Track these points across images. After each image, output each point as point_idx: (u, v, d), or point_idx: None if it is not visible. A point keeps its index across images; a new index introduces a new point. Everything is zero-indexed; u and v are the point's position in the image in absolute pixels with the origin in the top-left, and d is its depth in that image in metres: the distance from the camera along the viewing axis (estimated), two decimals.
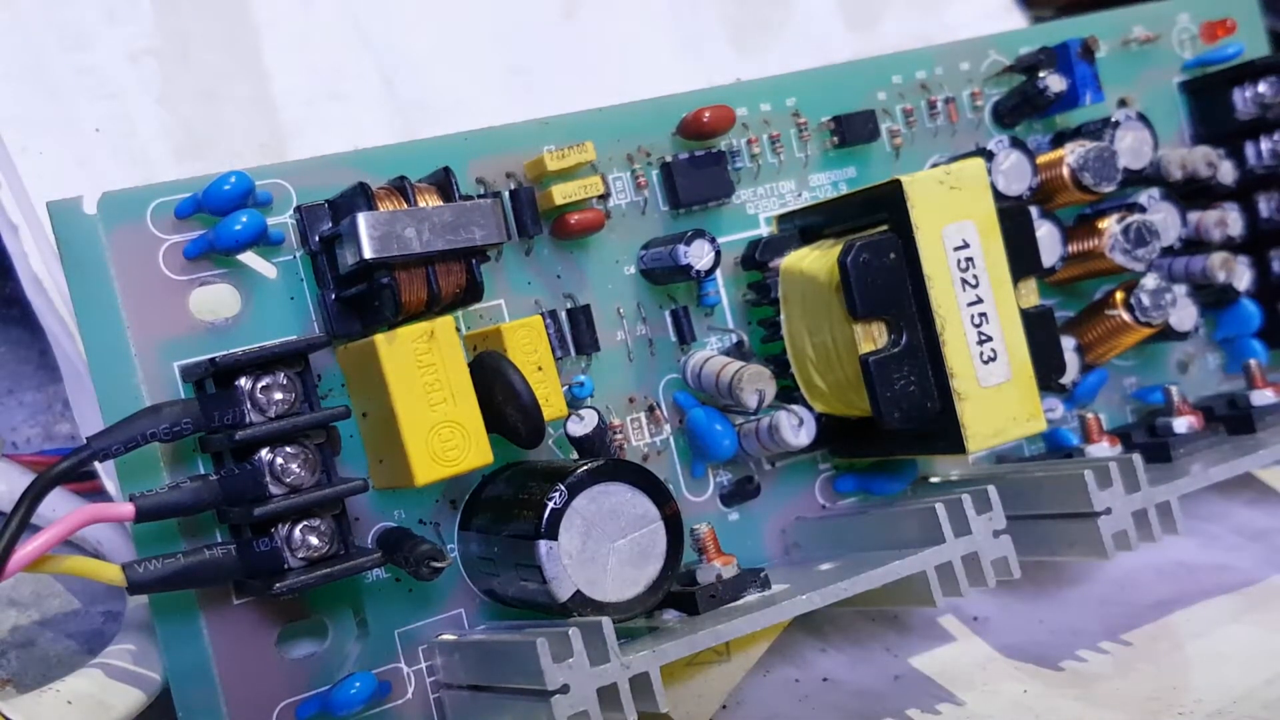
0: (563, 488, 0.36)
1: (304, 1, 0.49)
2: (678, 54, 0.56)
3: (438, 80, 0.51)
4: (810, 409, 0.42)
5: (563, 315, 0.41)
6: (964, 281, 0.39)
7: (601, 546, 0.36)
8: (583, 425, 0.39)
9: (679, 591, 0.38)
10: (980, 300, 0.39)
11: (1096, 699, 0.44)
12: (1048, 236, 0.45)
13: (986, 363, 0.39)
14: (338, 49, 0.45)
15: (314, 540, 0.36)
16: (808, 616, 0.46)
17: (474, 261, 0.37)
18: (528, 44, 0.54)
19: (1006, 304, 0.39)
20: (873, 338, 0.39)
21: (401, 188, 0.37)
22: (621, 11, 0.55)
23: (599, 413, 0.40)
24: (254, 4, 0.47)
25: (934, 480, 0.45)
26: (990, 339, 0.39)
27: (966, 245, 0.39)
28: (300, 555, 0.35)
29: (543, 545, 0.35)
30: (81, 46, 0.44)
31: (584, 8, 0.54)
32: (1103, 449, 0.45)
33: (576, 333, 0.41)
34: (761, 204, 0.44)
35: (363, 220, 0.35)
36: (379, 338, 0.35)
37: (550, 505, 0.35)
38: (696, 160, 0.43)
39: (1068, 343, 0.45)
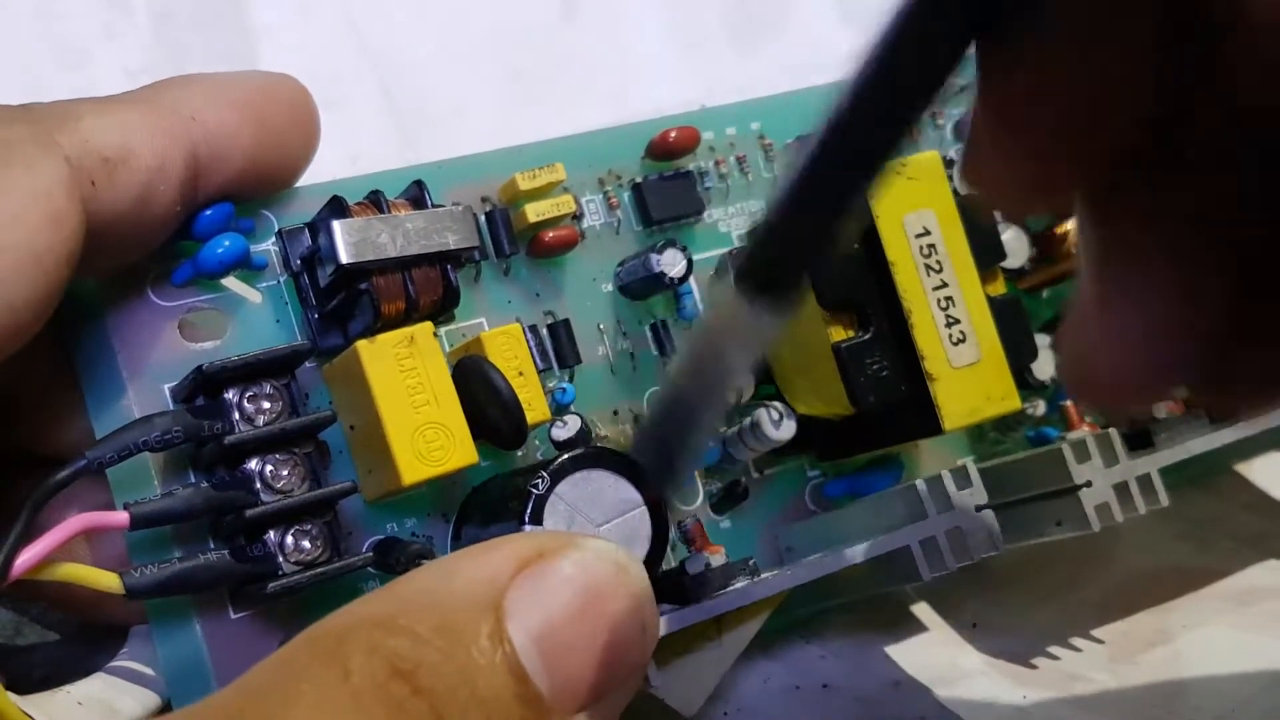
0: (545, 474, 0.36)
1: (302, 10, 0.50)
2: (678, 54, 0.57)
3: (437, 85, 0.53)
4: (792, 410, 0.42)
5: (544, 331, 0.42)
6: (927, 267, 0.40)
7: (586, 531, 0.37)
8: (566, 430, 0.40)
9: (669, 584, 0.39)
10: (945, 284, 0.40)
11: (1095, 706, 0.44)
12: (1015, 239, 0.46)
13: (956, 344, 0.40)
14: (336, 56, 0.46)
15: (306, 544, 0.36)
16: (808, 623, 0.46)
17: (449, 267, 0.38)
18: (527, 47, 0.55)
19: (971, 288, 0.41)
20: (843, 326, 0.40)
21: (376, 202, 0.38)
22: (621, 12, 0.57)
23: (582, 418, 0.41)
24: (252, 13, 0.49)
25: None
26: (958, 321, 0.40)
27: (927, 232, 0.40)
28: (294, 560, 0.36)
29: (528, 530, 0.36)
30: (80, 65, 0.45)
31: (583, 9, 0.55)
32: (1083, 433, 0.45)
33: (558, 346, 0.42)
34: (733, 222, 0.46)
35: (338, 227, 0.37)
36: (360, 343, 0.36)
37: (534, 492, 0.36)
38: (666, 179, 0.44)
39: (1044, 340, 0.46)
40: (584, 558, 0.29)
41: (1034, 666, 0.46)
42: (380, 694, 0.25)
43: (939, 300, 0.40)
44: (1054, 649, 0.47)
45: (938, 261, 0.40)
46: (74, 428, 0.38)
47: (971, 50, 0.24)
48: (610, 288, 0.43)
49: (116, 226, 0.34)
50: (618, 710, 0.29)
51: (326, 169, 0.40)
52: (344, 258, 0.36)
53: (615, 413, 0.43)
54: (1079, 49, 0.24)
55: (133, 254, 0.37)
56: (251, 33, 0.50)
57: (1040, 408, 0.47)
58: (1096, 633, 0.47)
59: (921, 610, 0.48)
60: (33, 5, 0.46)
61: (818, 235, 0.29)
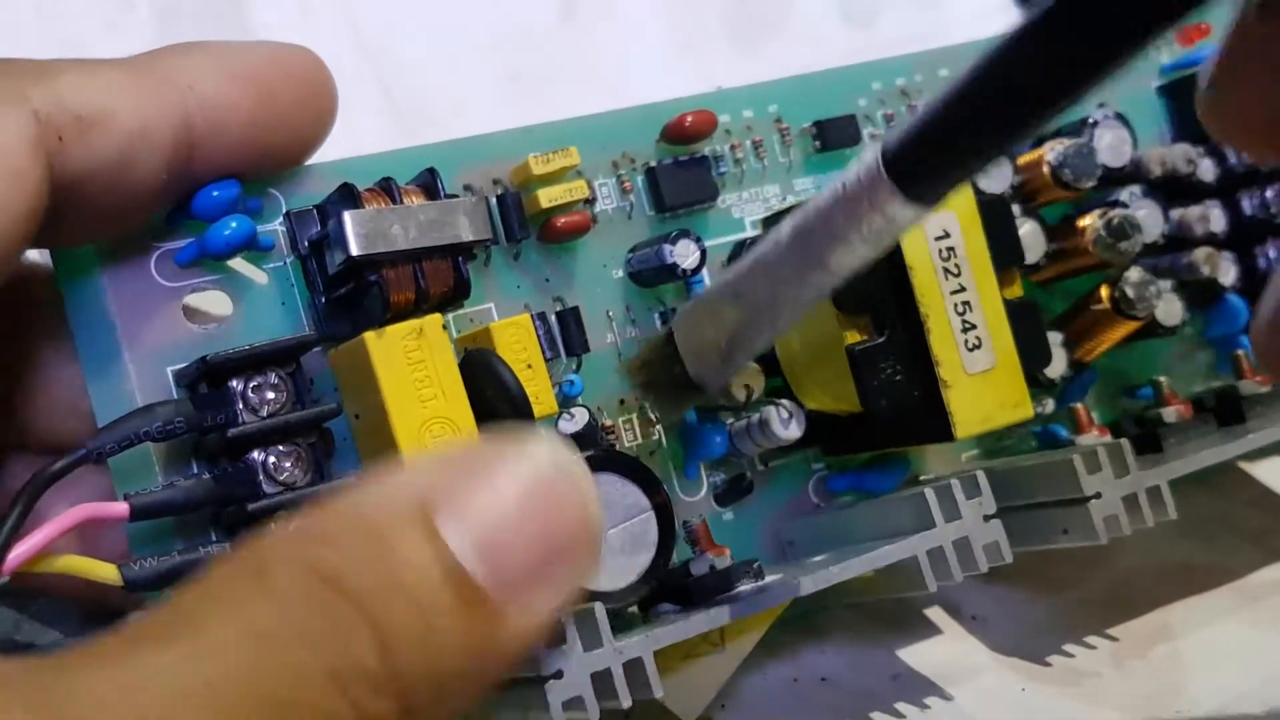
0: None
1: (302, 8, 0.50)
2: (677, 53, 0.56)
3: (435, 84, 0.52)
4: (801, 405, 0.42)
5: (552, 318, 0.41)
6: (946, 271, 0.39)
7: None
8: (574, 423, 0.40)
9: (674, 585, 0.38)
10: (963, 289, 0.40)
11: (1094, 698, 0.44)
12: (1031, 234, 0.46)
13: (971, 350, 0.39)
14: (335, 54, 0.45)
15: None
16: (807, 618, 0.46)
17: (460, 259, 0.38)
18: (526, 47, 0.55)
19: (989, 293, 0.40)
20: (858, 329, 0.40)
21: (387, 189, 0.37)
22: (620, 12, 0.56)
23: (590, 410, 0.40)
24: (252, 11, 0.48)
25: (925, 479, 0.46)
26: (974, 327, 0.40)
27: (947, 235, 0.40)
28: None
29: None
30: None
31: (582, 9, 0.55)
32: (1093, 439, 0.45)
33: (566, 334, 0.41)
34: (747, 208, 0.45)
35: (349, 218, 0.36)
36: (368, 335, 0.36)
37: None
38: (681, 164, 0.43)
39: (1055, 337, 0.46)
40: (519, 450, 0.28)
41: (1037, 662, 0.46)
42: (302, 596, 0.25)
43: (956, 305, 0.39)
44: (1055, 642, 0.46)
45: (956, 265, 0.39)
46: (77, 411, 0.37)
47: None
48: (621, 274, 0.43)
49: (89, 189, 0.33)
50: (566, 596, 0.28)
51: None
52: (354, 249, 0.36)
53: (622, 402, 0.42)
54: None
55: (116, 220, 0.35)
56: (252, 32, 0.49)
57: (1049, 405, 0.47)
58: (1097, 626, 0.47)
59: (924, 604, 0.48)
60: (34, 1, 0.45)
61: (984, 147, 0.28)
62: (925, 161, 0.29)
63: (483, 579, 0.26)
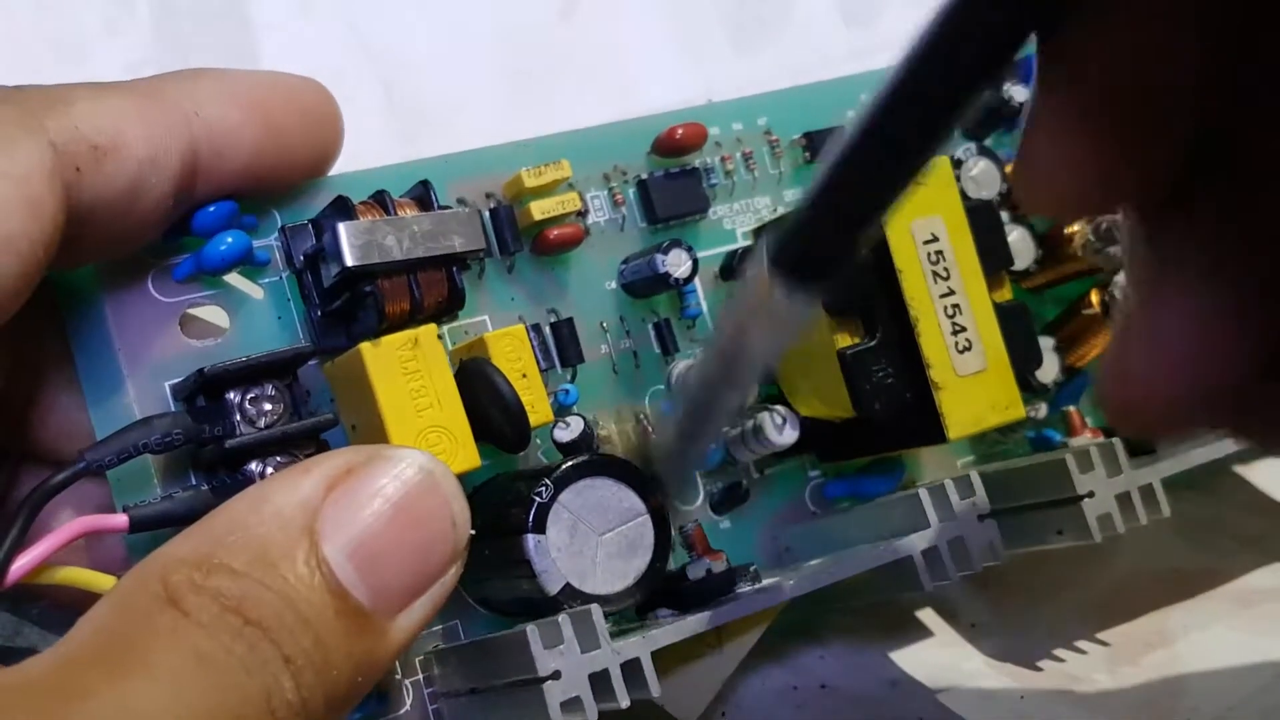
0: (548, 482, 0.36)
1: (302, 8, 0.50)
2: (677, 54, 0.57)
3: (436, 84, 0.52)
4: (795, 412, 0.42)
5: (546, 330, 0.42)
6: (935, 274, 0.40)
7: (589, 540, 0.36)
8: (569, 431, 0.40)
9: (671, 589, 0.39)
10: (952, 292, 0.40)
11: (1092, 705, 0.44)
12: (1020, 241, 0.46)
13: (962, 352, 0.40)
14: (336, 54, 0.46)
15: None
16: (806, 623, 0.46)
17: (455, 270, 0.38)
18: (526, 46, 0.55)
19: (978, 296, 0.40)
20: (849, 333, 0.40)
21: (381, 202, 0.38)
22: (620, 12, 0.57)
23: (585, 419, 0.40)
24: (252, 11, 0.48)
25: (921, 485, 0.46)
26: (964, 329, 0.40)
27: (936, 239, 0.40)
28: None
29: (530, 539, 0.36)
30: (80, 59, 0.45)
31: (582, 9, 0.55)
32: (1086, 440, 0.45)
33: (561, 345, 0.42)
34: (738, 219, 0.45)
35: (344, 229, 0.36)
36: (364, 346, 0.36)
37: (537, 500, 0.36)
38: (672, 176, 0.44)
39: (1047, 342, 0.46)
40: (390, 468, 0.30)
41: (1033, 667, 0.46)
42: (222, 624, 0.27)
43: (945, 308, 0.40)
44: (1052, 649, 0.47)
45: (945, 269, 0.40)
46: (76, 426, 0.38)
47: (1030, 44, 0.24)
48: (614, 285, 0.43)
49: (101, 215, 0.34)
50: (438, 604, 0.31)
51: None
52: (349, 260, 0.36)
53: (618, 412, 0.43)
54: (1144, 36, 0.23)
55: (121, 243, 0.36)
56: (252, 30, 0.50)
57: (1042, 410, 0.47)
58: (1095, 633, 0.47)
59: (921, 611, 0.48)
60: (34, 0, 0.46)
61: (858, 223, 0.29)
62: (812, 260, 0.29)
63: (365, 598, 0.28)
